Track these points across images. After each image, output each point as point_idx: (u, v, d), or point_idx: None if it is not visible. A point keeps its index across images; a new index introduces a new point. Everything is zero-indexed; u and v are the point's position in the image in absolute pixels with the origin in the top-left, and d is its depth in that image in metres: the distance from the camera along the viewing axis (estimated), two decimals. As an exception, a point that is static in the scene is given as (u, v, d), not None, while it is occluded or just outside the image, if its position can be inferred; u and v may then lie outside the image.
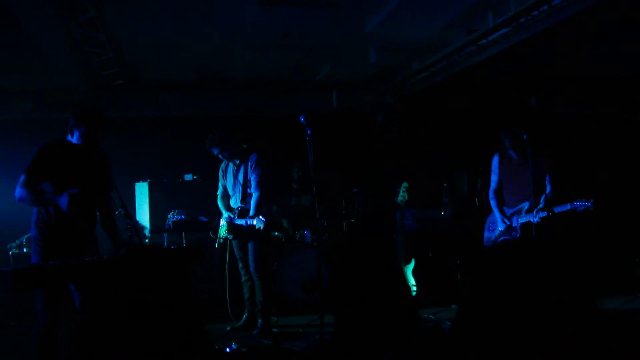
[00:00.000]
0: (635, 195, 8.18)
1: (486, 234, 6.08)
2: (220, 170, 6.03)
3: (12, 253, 6.25)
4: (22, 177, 4.03)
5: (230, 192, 5.91)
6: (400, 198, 6.79)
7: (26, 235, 6.20)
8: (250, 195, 5.70)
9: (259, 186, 5.64)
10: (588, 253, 6.87)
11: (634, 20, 5.49)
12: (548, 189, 5.65)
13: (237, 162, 5.82)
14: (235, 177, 5.83)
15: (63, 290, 3.99)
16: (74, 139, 4.15)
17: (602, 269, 6.92)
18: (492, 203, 5.95)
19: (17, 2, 4.28)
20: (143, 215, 7.38)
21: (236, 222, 5.63)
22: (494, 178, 5.98)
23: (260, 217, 5.29)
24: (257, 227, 5.30)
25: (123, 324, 1.62)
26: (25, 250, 6.22)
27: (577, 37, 5.93)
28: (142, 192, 7.44)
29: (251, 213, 5.51)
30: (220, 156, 5.81)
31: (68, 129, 4.16)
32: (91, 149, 4.17)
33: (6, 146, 7.06)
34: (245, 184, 5.73)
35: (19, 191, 4.02)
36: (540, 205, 5.53)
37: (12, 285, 3.30)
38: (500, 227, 5.79)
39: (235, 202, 5.82)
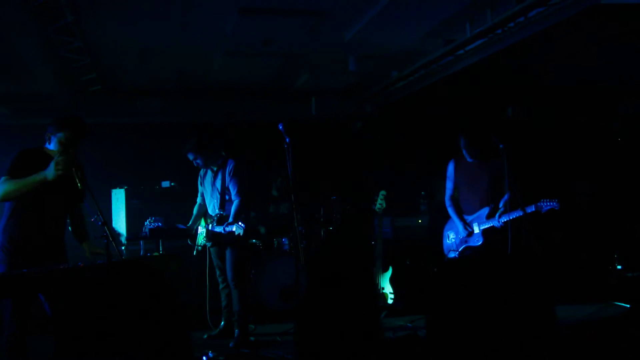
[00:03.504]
0: (609, 203, 8.31)
1: (446, 244, 6.02)
2: (199, 177, 6.01)
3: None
4: (3, 179, 3.96)
5: (208, 199, 5.88)
6: (378, 206, 6.82)
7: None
8: (229, 202, 5.68)
9: (239, 193, 5.61)
10: (559, 261, 6.96)
11: (609, 33, 5.59)
12: (507, 193, 5.63)
13: (215, 169, 5.79)
14: (212, 184, 5.80)
15: (31, 299, 3.95)
16: (51, 146, 4.11)
17: (575, 277, 7.02)
18: (450, 210, 5.89)
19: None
20: (120, 223, 7.32)
21: (215, 230, 5.60)
22: (449, 184, 5.93)
23: (240, 222, 5.26)
24: (236, 232, 5.25)
25: (98, 334, 1.60)
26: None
27: (553, 48, 6.02)
28: (118, 199, 7.38)
29: (230, 220, 5.48)
30: (194, 163, 5.79)
31: (46, 136, 4.12)
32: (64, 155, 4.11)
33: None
34: (224, 191, 5.70)
35: (1, 188, 3.93)
36: (502, 209, 5.51)
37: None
38: (462, 235, 5.76)
39: (213, 210, 5.80)
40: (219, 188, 5.72)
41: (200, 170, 5.97)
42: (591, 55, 6.46)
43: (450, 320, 1.51)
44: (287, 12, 5.23)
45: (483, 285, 1.50)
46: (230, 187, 5.65)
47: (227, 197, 5.70)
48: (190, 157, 5.72)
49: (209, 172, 5.86)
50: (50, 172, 3.82)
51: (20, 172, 3.94)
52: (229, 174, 5.67)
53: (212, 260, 5.91)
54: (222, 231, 5.41)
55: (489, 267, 1.55)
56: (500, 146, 5.17)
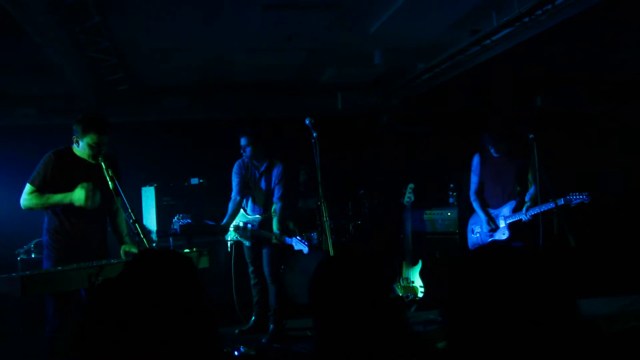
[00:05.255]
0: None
1: (472, 238, 6.03)
2: (240, 169, 5.87)
3: (21, 259, 6.27)
4: (28, 188, 4.05)
5: (249, 194, 5.87)
6: (406, 199, 6.79)
7: (34, 241, 6.22)
8: (271, 204, 5.72)
9: (283, 198, 5.66)
10: (592, 252, 6.84)
11: (638, 20, 5.48)
12: (533, 186, 5.61)
13: (261, 168, 5.77)
14: (256, 182, 5.80)
15: (74, 296, 4.02)
16: (79, 147, 4.15)
17: (609, 269, 6.89)
18: (475, 205, 5.91)
19: (21, 9, 4.31)
20: (150, 220, 7.39)
21: (261, 232, 5.68)
22: (474, 179, 5.95)
23: (303, 240, 5.38)
24: (296, 248, 5.53)
25: (132, 328, 1.61)
26: (33, 255, 6.24)
27: (581, 37, 5.92)
28: (148, 197, 7.45)
29: (276, 226, 5.56)
30: (242, 151, 5.70)
31: (73, 138, 4.16)
32: (97, 157, 4.15)
33: (11, 152, 7.07)
34: (269, 193, 5.73)
35: (25, 200, 4.04)
36: (528, 203, 5.49)
37: (22, 290, 3.35)
38: (487, 229, 5.75)
39: (253, 208, 5.80)
40: (264, 189, 5.75)
41: (236, 164, 5.90)
42: (621, 42, 6.33)
43: (468, 314, 1.48)
44: (311, 6, 5.21)
45: (501, 278, 1.48)
46: (276, 190, 5.71)
47: (270, 200, 5.74)
48: (243, 142, 5.66)
49: (251, 168, 5.82)
50: (79, 200, 3.99)
51: (45, 182, 4.03)
52: (277, 177, 5.71)
53: (237, 255, 5.93)
54: (285, 241, 5.59)
55: (507, 259, 1.53)
56: (530, 136, 5.14)
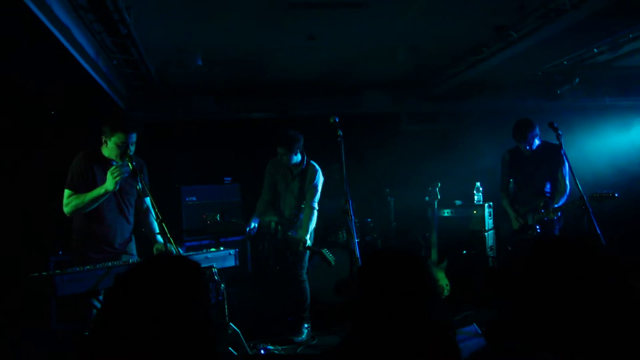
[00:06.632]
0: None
1: (503, 235, 6.12)
2: (273, 168, 5.86)
3: (54, 259, 6.35)
4: (66, 193, 4.14)
5: (278, 199, 5.87)
6: (432, 197, 6.76)
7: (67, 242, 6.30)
8: (300, 206, 5.72)
9: (316, 203, 5.64)
10: (620, 251, 6.72)
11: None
12: (563, 184, 5.57)
13: (295, 171, 5.72)
14: (288, 184, 5.77)
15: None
16: (107, 147, 4.21)
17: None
18: (504, 202, 5.91)
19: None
20: (177, 220, 7.45)
21: (289, 233, 5.66)
22: (504, 177, 5.95)
23: (331, 255, 5.37)
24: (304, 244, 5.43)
25: (140, 331, 1.63)
26: (61, 253, 6.31)
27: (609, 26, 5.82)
28: (176, 196, 7.51)
29: (304, 233, 5.50)
30: (281, 157, 5.61)
31: (102, 138, 4.22)
32: (124, 156, 4.20)
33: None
34: (301, 197, 5.70)
35: (67, 205, 4.13)
36: (556, 201, 5.51)
37: (53, 289, 3.44)
38: (514, 227, 5.74)
39: (282, 211, 5.80)
40: (296, 191, 5.71)
41: (270, 163, 5.88)
42: None
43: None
44: (335, 5, 5.19)
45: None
46: (308, 195, 5.65)
47: (301, 204, 5.73)
48: (280, 151, 5.58)
49: (285, 169, 5.77)
50: (110, 184, 3.99)
51: (82, 186, 4.11)
52: (310, 181, 5.66)
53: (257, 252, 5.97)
54: (302, 247, 5.52)
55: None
56: (559, 132, 5.15)
